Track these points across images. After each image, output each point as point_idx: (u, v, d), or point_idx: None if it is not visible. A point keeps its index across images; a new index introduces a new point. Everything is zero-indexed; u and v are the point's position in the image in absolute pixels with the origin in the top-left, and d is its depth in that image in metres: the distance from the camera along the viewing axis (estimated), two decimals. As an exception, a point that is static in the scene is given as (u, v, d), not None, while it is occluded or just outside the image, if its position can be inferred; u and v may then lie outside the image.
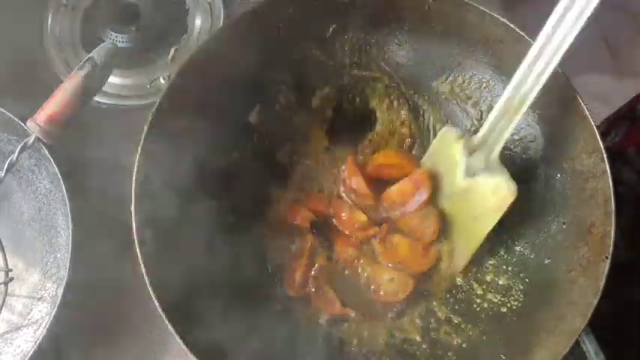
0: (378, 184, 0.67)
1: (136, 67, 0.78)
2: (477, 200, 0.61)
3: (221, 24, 0.80)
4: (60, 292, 0.59)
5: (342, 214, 0.67)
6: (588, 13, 0.53)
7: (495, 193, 0.59)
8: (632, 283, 0.76)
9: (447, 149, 0.62)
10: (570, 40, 0.53)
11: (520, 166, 0.65)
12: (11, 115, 0.63)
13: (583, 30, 0.53)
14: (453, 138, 0.62)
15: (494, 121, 0.59)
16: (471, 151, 0.61)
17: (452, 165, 0.62)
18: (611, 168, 0.55)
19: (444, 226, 0.65)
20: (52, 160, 0.62)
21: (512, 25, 0.60)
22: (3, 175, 0.59)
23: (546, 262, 0.60)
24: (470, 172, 0.61)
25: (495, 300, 0.62)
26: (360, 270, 0.65)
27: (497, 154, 0.60)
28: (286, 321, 0.63)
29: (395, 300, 0.64)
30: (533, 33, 0.59)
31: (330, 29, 0.67)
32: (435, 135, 0.70)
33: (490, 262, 0.65)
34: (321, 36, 0.68)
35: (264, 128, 0.70)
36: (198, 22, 0.80)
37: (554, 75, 0.59)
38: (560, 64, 0.56)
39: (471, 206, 0.62)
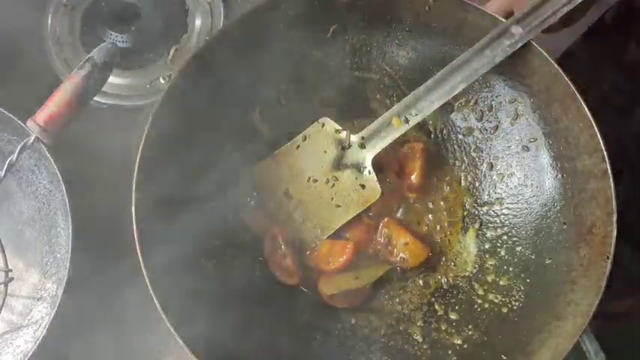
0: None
1: (136, 67, 0.78)
2: (341, 190, 0.66)
3: (221, 24, 0.80)
4: (60, 292, 0.59)
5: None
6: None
7: (359, 189, 0.65)
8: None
9: (323, 138, 0.67)
10: (462, 87, 0.60)
11: (521, 166, 0.65)
12: (11, 115, 0.63)
13: (583, 30, 0.53)
14: (332, 129, 0.66)
15: (378, 128, 0.64)
16: (345, 146, 0.65)
17: (323, 153, 0.66)
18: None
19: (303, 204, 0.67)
20: (51, 160, 0.62)
21: (512, 26, 0.60)
22: (3, 175, 0.59)
23: (547, 262, 0.60)
24: (339, 164, 0.66)
25: (496, 300, 0.62)
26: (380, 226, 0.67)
27: (371, 157, 0.64)
28: (286, 320, 0.63)
29: (404, 265, 0.65)
30: (533, 33, 0.60)
31: (331, 30, 0.67)
32: (435, 136, 0.71)
33: (491, 262, 0.65)
34: (321, 36, 0.68)
35: (265, 128, 0.70)
36: (198, 22, 0.80)
37: (555, 75, 0.59)
38: (561, 63, 0.56)
39: (333, 193, 0.66)
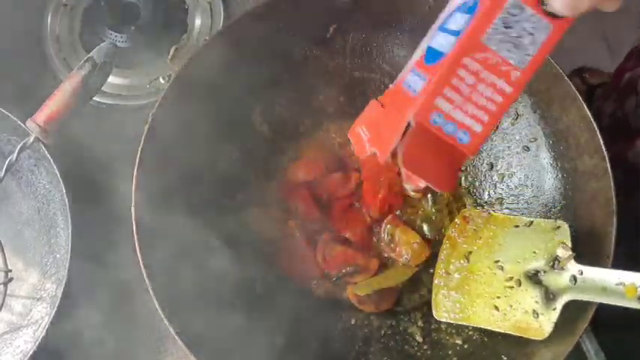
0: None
1: (135, 67, 0.77)
2: (513, 300, 0.55)
3: (221, 24, 0.79)
4: (59, 292, 0.59)
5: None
6: None
7: (529, 314, 0.54)
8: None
9: (545, 239, 0.56)
10: None
11: (521, 166, 0.65)
12: (10, 115, 0.63)
13: (583, 30, 0.53)
14: (561, 239, 0.55)
15: (605, 281, 0.51)
16: (556, 266, 0.54)
17: (531, 252, 0.56)
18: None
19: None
20: (51, 160, 0.62)
21: (513, 25, 0.60)
22: (2, 175, 0.59)
23: (548, 262, 0.60)
24: (535, 276, 0.55)
25: (496, 301, 0.62)
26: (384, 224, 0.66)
27: (569, 299, 0.52)
28: (287, 320, 0.63)
29: (406, 264, 0.65)
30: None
31: (331, 29, 0.67)
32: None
33: (491, 262, 0.64)
34: (321, 36, 0.68)
35: (265, 129, 0.69)
36: (198, 21, 0.80)
37: (555, 75, 0.59)
38: (562, 64, 0.56)
39: (503, 294, 0.56)
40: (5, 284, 0.62)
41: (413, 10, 0.65)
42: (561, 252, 0.54)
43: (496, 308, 0.56)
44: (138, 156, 0.57)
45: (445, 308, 0.59)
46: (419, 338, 0.63)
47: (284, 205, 0.68)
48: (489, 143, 0.67)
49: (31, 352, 0.58)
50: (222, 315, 0.58)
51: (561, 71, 0.58)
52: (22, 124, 0.61)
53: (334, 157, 0.70)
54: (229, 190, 0.66)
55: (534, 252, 0.56)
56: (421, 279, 0.66)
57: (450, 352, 0.61)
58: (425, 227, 0.68)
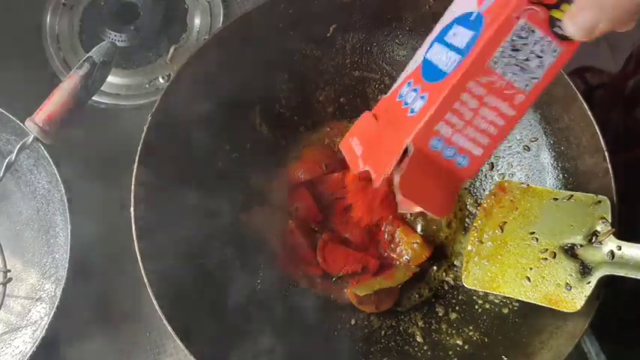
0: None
1: (135, 67, 0.77)
2: (546, 271, 0.54)
3: (220, 23, 0.79)
4: (59, 292, 0.59)
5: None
6: None
7: (561, 286, 0.53)
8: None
9: (585, 214, 0.55)
10: None
11: (522, 166, 0.65)
12: (9, 115, 0.63)
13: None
14: (602, 214, 0.54)
15: (639, 262, 0.51)
16: (594, 241, 0.53)
17: (569, 225, 0.55)
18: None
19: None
20: (50, 160, 0.62)
21: (513, 25, 0.60)
22: (1, 175, 0.59)
23: (548, 262, 0.60)
24: (571, 250, 0.54)
25: (497, 301, 0.62)
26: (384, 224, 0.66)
27: (606, 273, 0.51)
28: (287, 320, 0.63)
29: (406, 264, 0.65)
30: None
31: (331, 29, 0.67)
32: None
33: (491, 262, 0.64)
34: (321, 36, 0.68)
35: (265, 129, 0.69)
36: (197, 21, 0.80)
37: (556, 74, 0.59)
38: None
39: (536, 266, 0.55)
40: (4, 284, 0.62)
41: (413, 10, 0.65)
42: (601, 227, 0.53)
43: (528, 279, 0.55)
44: (137, 156, 0.57)
45: (475, 276, 0.58)
46: (419, 339, 0.62)
47: (284, 205, 0.68)
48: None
49: (30, 353, 0.58)
50: (222, 315, 0.58)
51: (562, 71, 0.58)
52: (21, 124, 0.61)
53: (334, 157, 0.70)
54: (229, 190, 0.66)
55: (572, 225, 0.55)
56: (421, 279, 0.66)
57: (450, 353, 0.61)
58: (425, 228, 0.68)
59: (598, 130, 0.56)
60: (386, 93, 0.70)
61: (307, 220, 0.67)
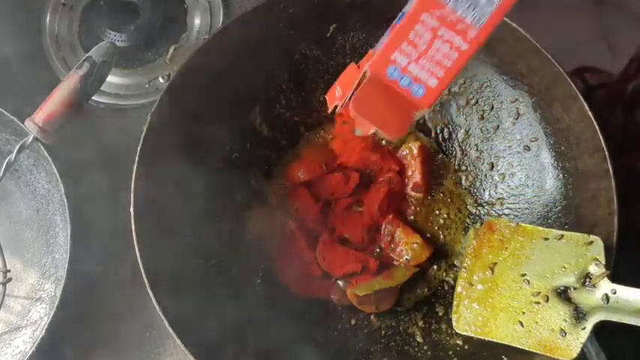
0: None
1: (134, 67, 0.77)
2: (539, 316, 0.53)
3: (220, 23, 0.79)
4: (58, 292, 0.59)
5: None
6: None
7: (555, 332, 0.51)
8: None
9: (576, 254, 0.53)
10: None
11: (522, 166, 0.65)
12: (9, 115, 0.63)
13: (583, 30, 0.53)
14: (594, 255, 0.52)
15: (635, 306, 0.49)
16: (587, 284, 0.52)
17: (561, 267, 0.53)
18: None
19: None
20: (50, 159, 0.62)
21: (513, 24, 0.60)
22: (1, 175, 0.59)
23: (548, 262, 0.60)
24: (564, 293, 0.53)
25: (497, 301, 0.62)
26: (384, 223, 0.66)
27: (599, 319, 0.50)
28: (287, 321, 0.63)
29: (406, 264, 0.65)
30: (534, 32, 0.59)
31: (331, 29, 0.67)
32: (436, 136, 0.70)
33: (491, 262, 0.64)
34: (321, 36, 0.68)
35: (265, 129, 0.69)
36: (197, 21, 0.80)
37: (556, 74, 0.59)
38: (562, 63, 0.56)
39: (528, 310, 0.53)
40: (4, 284, 0.62)
41: (413, 10, 0.65)
42: (594, 269, 0.51)
43: (520, 324, 0.53)
44: (137, 155, 0.57)
45: (466, 320, 0.56)
46: (419, 339, 0.62)
47: (284, 205, 0.68)
48: (490, 143, 0.67)
49: (30, 353, 0.58)
50: (222, 315, 0.58)
51: (562, 70, 0.58)
52: (20, 124, 0.61)
53: (334, 157, 0.70)
54: (229, 190, 0.66)
55: (564, 267, 0.53)
56: (421, 279, 0.66)
57: (450, 353, 0.61)
58: (425, 228, 0.68)
59: (598, 131, 0.56)
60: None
61: (307, 220, 0.67)
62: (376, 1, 0.65)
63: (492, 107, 0.66)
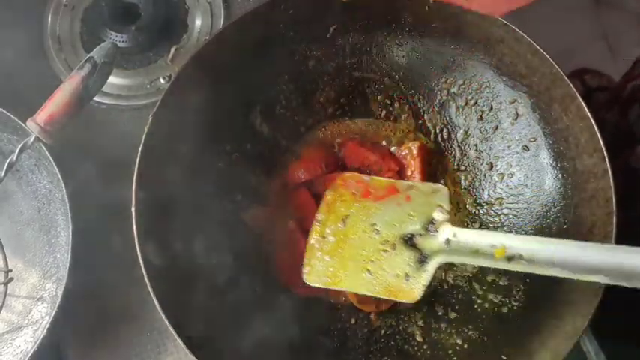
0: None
1: (135, 67, 0.78)
2: (386, 262, 0.56)
3: (221, 24, 0.79)
4: (60, 292, 0.59)
5: None
6: None
7: (400, 277, 0.54)
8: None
9: (424, 203, 0.56)
10: None
11: (521, 166, 0.65)
12: (11, 115, 0.63)
13: (583, 30, 0.53)
14: (439, 202, 0.56)
15: (477, 242, 0.52)
16: (431, 230, 0.55)
17: (407, 215, 0.56)
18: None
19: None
20: (52, 160, 0.62)
21: (512, 26, 0.60)
22: (3, 175, 0.59)
23: (547, 262, 0.60)
24: (410, 239, 0.56)
25: (496, 300, 0.62)
26: None
27: (441, 262, 0.54)
28: (287, 320, 0.63)
29: None
30: (534, 33, 0.60)
31: (331, 29, 0.67)
32: (435, 136, 0.71)
33: (491, 262, 0.65)
34: (321, 36, 0.68)
35: (265, 129, 0.70)
36: (198, 21, 0.80)
37: (555, 75, 0.59)
38: (562, 64, 0.56)
39: (376, 257, 0.56)
40: (6, 284, 0.62)
41: (412, 11, 0.65)
42: (437, 215, 0.55)
43: (368, 272, 0.56)
44: (138, 156, 0.57)
45: (317, 272, 0.58)
46: (419, 338, 0.63)
47: (284, 205, 0.69)
48: (489, 143, 0.67)
49: (31, 352, 0.58)
50: (222, 315, 0.58)
51: (561, 71, 0.58)
52: (22, 124, 0.61)
53: (334, 157, 0.70)
54: (229, 190, 0.66)
55: (411, 215, 0.56)
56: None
57: (449, 352, 0.61)
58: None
59: (597, 131, 0.57)
60: (385, 93, 0.71)
61: (307, 220, 0.67)
62: (376, 2, 0.65)
63: (491, 108, 0.66)
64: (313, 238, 0.59)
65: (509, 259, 0.50)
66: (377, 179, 0.60)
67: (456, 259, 0.53)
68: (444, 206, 0.55)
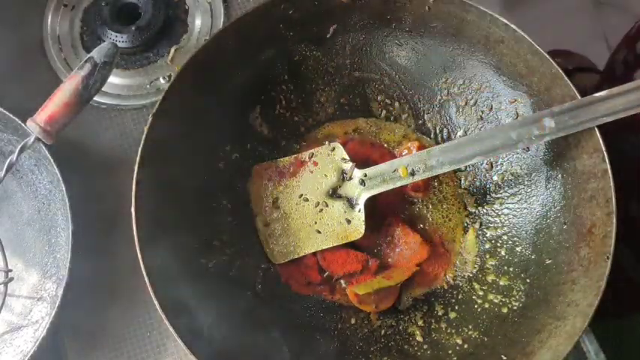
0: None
1: (135, 67, 0.78)
2: (326, 218, 0.65)
3: (221, 24, 0.79)
4: (60, 292, 0.59)
5: None
6: None
7: (343, 223, 0.64)
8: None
9: (329, 162, 0.66)
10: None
11: (521, 166, 0.65)
12: (11, 115, 0.63)
13: (583, 30, 0.53)
14: (340, 156, 0.66)
15: (383, 171, 0.63)
16: (346, 177, 0.65)
17: (323, 176, 0.66)
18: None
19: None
20: (51, 160, 0.62)
21: (512, 25, 0.60)
22: (3, 175, 0.59)
23: (547, 262, 0.60)
24: (334, 193, 0.65)
25: (496, 301, 0.62)
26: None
27: (366, 197, 0.63)
28: (287, 319, 0.63)
29: (406, 263, 0.66)
30: (533, 33, 0.60)
31: (331, 30, 0.67)
32: (435, 136, 0.71)
33: (491, 262, 0.65)
34: (321, 36, 0.68)
35: (265, 129, 0.70)
36: (198, 21, 0.80)
37: (555, 75, 0.59)
38: (562, 64, 0.56)
39: (318, 218, 0.65)
40: (5, 284, 0.62)
41: (412, 11, 0.65)
42: (345, 165, 0.65)
43: (318, 232, 0.65)
44: (138, 156, 0.57)
45: (280, 252, 0.65)
46: (419, 338, 0.63)
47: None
48: (489, 143, 0.67)
49: (31, 352, 0.58)
50: (222, 315, 0.58)
51: (561, 71, 0.58)
52: (22, 124, 0.61)
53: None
54: (229, 190, 0.66)
55: (325, 175, 0.66)
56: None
57: (449, 352, 0.61)
58: (425, 228, 0.68)
59: (597, 131, 0.57)
60: (385, 93, 0.72)
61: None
62: (376, 2, 0.66)
63: (491, 108, 0.66)
64: (261, 229, 0.66)
65: (412, 174, 0.62)
66: (281, 160, 0.68)
67: (376, 191, 0.63)
68: (345, 157, 0.65)
